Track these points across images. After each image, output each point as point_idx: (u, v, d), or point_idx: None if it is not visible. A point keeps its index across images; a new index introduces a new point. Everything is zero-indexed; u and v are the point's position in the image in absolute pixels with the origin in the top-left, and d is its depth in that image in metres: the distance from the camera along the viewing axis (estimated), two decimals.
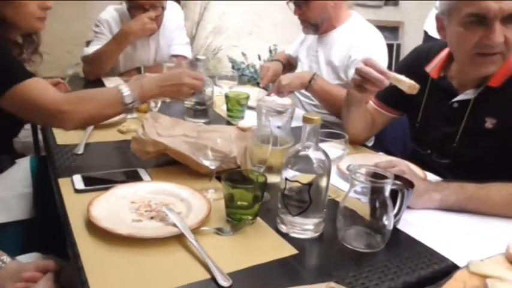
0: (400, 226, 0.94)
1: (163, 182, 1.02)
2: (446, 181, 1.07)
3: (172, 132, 1.13)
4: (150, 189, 1.00)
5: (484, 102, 1.15)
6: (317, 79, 1.63)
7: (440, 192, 1.02)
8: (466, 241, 0.92)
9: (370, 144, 1.64)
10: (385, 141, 1.68)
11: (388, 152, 1.37)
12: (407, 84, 1.12)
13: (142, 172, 1.09)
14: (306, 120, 0.85)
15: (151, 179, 1.06)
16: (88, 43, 2.09)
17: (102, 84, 1.88)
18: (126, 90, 1.08)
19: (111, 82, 1.88)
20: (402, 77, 1.13)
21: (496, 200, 1.01)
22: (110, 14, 2.01)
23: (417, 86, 1.11)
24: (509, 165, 1.10)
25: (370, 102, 1.41)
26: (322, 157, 0.86)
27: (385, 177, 0.82)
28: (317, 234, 0.89)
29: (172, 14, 2.10)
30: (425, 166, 1.22)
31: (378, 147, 1.54)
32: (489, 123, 1.14)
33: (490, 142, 1.14)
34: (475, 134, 1.16)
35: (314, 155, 0.86)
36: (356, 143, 1.40)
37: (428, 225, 0.96)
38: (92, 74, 1.96)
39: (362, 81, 1.19)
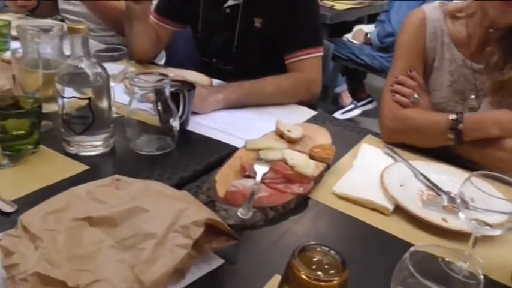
0: (192, 128, 1.02)
1: None
2: (227, 83, 1.19)
3: None
4: None
5: (252, 4, 1.26)
6: None
7: (223, 92, 1.13)
8: (247, 128, 1.06)
9: (161, 62, 1.65)
10: (178, 58, 1.71)
11: (182, 67, 1.39)
12: None
13: None
14: (71, 31, 0.80)
15: None
16: None
17: None
18: None
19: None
20: None
21: (270, 91, 1.18)
22: None
23: None
24: (280, 64, 1.26)
25: (151, 17, 1.39)
26: (98, 69, 0.84)
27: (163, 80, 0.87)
28: (108, 148, 0.89)
29: None
30: (213, 75, 1.30)
31: (170, 64, 1.56)
32: (257, 23, 1.26)
33: (262, 41, 1.27)
34: (248, 35, 1.28)
35: (88, 68, 0.83)
36: (144, 61, 1.39)
37: (217, 122, 1.08)
38: None
39: None
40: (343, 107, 3.06)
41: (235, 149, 0.93)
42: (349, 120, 2.91)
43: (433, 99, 1.05)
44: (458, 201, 0.65)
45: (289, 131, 0.97)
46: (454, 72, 1.03)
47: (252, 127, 1.06)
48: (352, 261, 0.51)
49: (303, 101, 1.23)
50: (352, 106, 3.06)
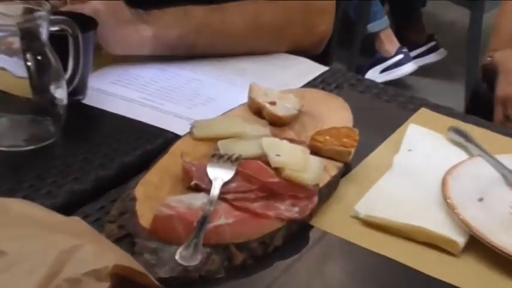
0: (93, 100, 1.03)
1: None
2: (162, 9, 1.17)
3: None
4: None
5: None
6: None
7: (153, 25, 1.13)
8: (195, 99, 1.08)
9: None
10: None
11: None
12: None
13: None
14: None
15: None
16: None
17: None
18: None
19: None
20: None
21: (237, 25, 1.18)
22: None
23: None
24: None
25: None
26: None
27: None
28: None
29: None
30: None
31: None
32: None
33: None
34: None
35: None
36: None
37: (140, 89, 1.08)
38: None
39: None
40: (383, 60, 3.08)
41: (173, 137, 0.94)
42: (393, 83, 2.92)
43: None
44: None
45: (273, 103, 0.97)
46: None
47: (205, 98, 1.09)
48: None
49: (301, 49, 1.24)
50: (400, 57, 3.08)
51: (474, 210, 0.82)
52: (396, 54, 3.06)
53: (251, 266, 0.75)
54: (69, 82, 0.94)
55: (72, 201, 0.82)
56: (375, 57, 3.07)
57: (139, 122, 0.99)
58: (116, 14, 1.08)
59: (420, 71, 3.04)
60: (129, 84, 1.09)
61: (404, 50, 3.07)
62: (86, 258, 0.58)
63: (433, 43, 3.13)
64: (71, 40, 0.93)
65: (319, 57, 1.25)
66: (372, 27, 3.06)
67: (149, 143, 0.94)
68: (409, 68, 3.05)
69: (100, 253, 0.59)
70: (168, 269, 0.71)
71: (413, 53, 3.08)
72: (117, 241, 0.72)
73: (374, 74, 2.94)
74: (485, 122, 1.11)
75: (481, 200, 0.85)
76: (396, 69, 3.03)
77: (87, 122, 1.00)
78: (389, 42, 3.08)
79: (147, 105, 1.04)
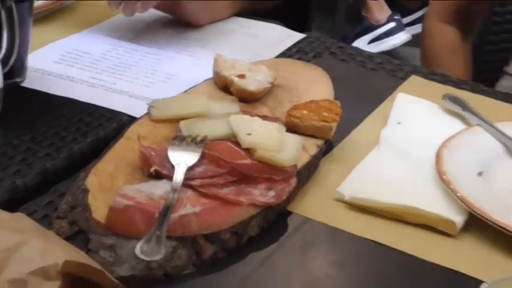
0: (34, 82, 1.03)
1: None
2: None
3: None
4: None
5: None
6: None
7: None
8: (152, 75, 1.10)
9: None
10: None
11: None
12: None
13: None
14: None
15: None
16: None
17: None
18: None
19: None
20: None
21: None
22: None
23: None
24: None
25: None
26: None
27: None
28: None
29: None
30: None
31: None
32: None
33: None
34: None
35: None
36: None
37: (86, 66, 1.11)
38: None
39: None
40: (371, 28, 3.11)
41: (129, 120, 0.96)
42: (386, 53, 2.91)
43: None
44: None
45: (242, 76, 0.98)
46: None
47: (164, 74, 1.10)
48: None
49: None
50: (391, 25, 3.11)
51: (473, 186, 0.84)
52: (387, 22, 3.08)
53: (223, 259, 0.76)
54: (4, 62, 0.93)
55: (15, 197, 0.81)
56: (362, 26, 3.09)
57: (89, 104, 1.00)
58: None
59: (414, 41, 3.04)
60: (76, 62, 1.10)
61: (397, 17, 3.09)
62: (32, 256, 0.58)
63: (425, 8, 3.15)
64: (2, 12, 0.93)
65: (296, 24, 1.26)
66: None
67: (101, 128, 0.95)
68: (402, 37, 3.08)
69: (48, 249, 0.59)
70: (128, 267, 0.71)
71: (405, 20, 3.11)
72: (69, 239, 0.72)
73: (361, 45, 2.92)
74: (485, 88, 1.13)
75: (480, 174, 0.87)
76: (387, 39, 3.07)
77: (29, 108, 1.00)
78: (379, 8, 3.10)
79: (98, 85, 1.05)
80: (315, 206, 0.84)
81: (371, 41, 3.04)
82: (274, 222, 0.81)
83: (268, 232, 0.80)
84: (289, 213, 0.83)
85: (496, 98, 1.08)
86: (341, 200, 0.85)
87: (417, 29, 3.08)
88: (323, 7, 2.39)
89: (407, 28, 3.10)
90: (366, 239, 0.80)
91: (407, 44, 3.07)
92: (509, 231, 0.78)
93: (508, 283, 0.56)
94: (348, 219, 0.83)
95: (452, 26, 1.33)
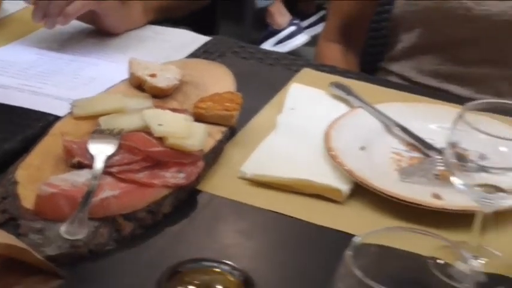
0: None
1: None
2: None
3: None
4: None
5: None
6: None
7: None
8: (75, 79, 1.14)
9: None
10: None
11: None
12: None
13: None
14: None
15: None
16: None
17: None
18: None
19: None
20: None
21: None
22: None
23: None
24: None
25: None
26: None
27: None
28: None
29: None
30: None
31: None
32: None
33: None
34: None
35: None
36: None
37: (15, 74, 1.14)
38: None
39: None
40: (275, 33, 3.20)
41: (55, 119, 1.00)
42: (290, 53, 2.99)
43: None
44: (451, 158, 0.74)
45: (153, 75, 1.05)
46: None
47: (87, 78, 1.14)
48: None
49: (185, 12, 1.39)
50: (292, 29, 3.21)
51: (356, 159, 0.92)
52: (288, 26, 3.18)
53: (141, 235, 0.82)
54: None
55: None
56: (267, 31, 3.18)
57: (18, 107, 1.03)
58: None
59: (313, 41, 3.08)
60: (5, 72, 1.14)
61: (296, 21, 3.20)
62: None
63: (323, 12, 3.19)
64: None
65: (203, 29, 1.32)
66: (260, 2, 3.18)
67: (30, 128, 0.98)
68: (301, 39, 3.19)
69: None
70: (56, 247, 0.75)
71: (304, 23, 3.21)
72: (1, 225, 0.76)
73: (268, 47, 2.99)
74: (367, 76, 1.21)
75: (362, 148, 0.95)
76: (289, 41, 3.17)
77: None
78: (280, 15, 3.20)
79: (26, 90, 1.09)
80: (221, 184, 0.90)
81: (276, 44, 3.14)
82: (185, 201, 0.87)
83: (181, 209, 0.86)
84: (199, 191, 0.89)
85: (377, 84, 1.15)
86: (244, 178, 0.91)
87: (314, 30, 3.21)
88: (232, 15, 2.47)
89: (306, 30, 3.22)
90: (268, 210, 0.87)
91: (307, 44, 3.17)
92: (387, 195, 0.86)
93: (377, 234, 0.62)
94: (250, 194, 0.89)
95: (339, 44, 1.41)
